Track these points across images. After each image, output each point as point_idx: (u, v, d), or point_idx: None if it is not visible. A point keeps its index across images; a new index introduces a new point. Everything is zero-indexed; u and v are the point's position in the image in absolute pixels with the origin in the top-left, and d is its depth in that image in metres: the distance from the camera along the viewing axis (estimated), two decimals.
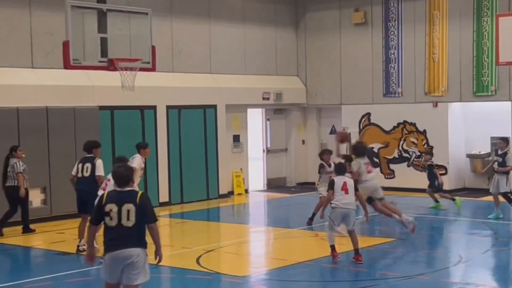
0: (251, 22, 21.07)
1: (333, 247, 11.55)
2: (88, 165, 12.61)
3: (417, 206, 17.42)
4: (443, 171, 19.56)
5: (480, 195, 18.68)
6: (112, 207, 7.36)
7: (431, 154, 17.91)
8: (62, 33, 13.72)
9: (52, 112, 16.04)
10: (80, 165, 12.74)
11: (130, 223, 7.33)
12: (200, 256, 12.05)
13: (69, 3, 13.17)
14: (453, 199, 16.76)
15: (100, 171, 12.40)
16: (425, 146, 19.96)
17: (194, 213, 17.32)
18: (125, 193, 7.46)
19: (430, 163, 17.45)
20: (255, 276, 11.05)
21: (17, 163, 14.41)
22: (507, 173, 15.19)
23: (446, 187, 19.34)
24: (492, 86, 18.84)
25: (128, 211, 7.34)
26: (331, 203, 11.57)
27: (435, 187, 17.01)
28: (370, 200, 13.80)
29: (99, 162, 12.50)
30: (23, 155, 14.63)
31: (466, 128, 20.04)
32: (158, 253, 7.58)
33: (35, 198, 15.82)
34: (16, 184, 14.41)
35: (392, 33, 20.53)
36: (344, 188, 11.49)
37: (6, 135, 15.31)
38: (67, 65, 13.30)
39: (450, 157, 19.62)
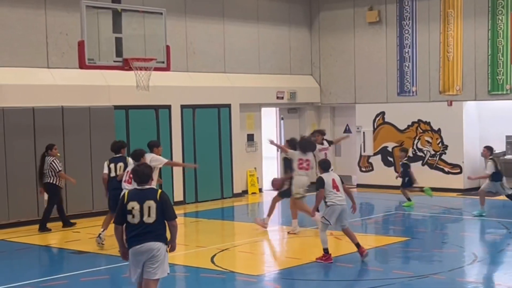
0: (265, 22, 21.07)
1: (327, 250, 11.43)
2: (121, 164, 12.98)
3: (430, 205, 17.36)
4: (458, 170, 19.51)
5: (495, 194, 18.53)
6: (134, 205, 7.61)
7: (406, 152, 17.89)
8: (77, 33, 13.84)
9: (68, 112, 16.14)
10: (112, 165, 13.07)
11: (151, 220, 7.59)
12: (214, 255, 12.08)
13: (84, 3, 13.23)
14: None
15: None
16: (440, 145, 19.90)
17: (209, 212, 17.35)
18: (146, 190, 7.71)
19: (405, 161, 17.43)
20: (270, 275, 11.04)
21: (54, 161, 14.75)
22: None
23: (460, 186, 19.37)
24: (507, 85, 18.74)
25: (149, 208, 7.60)
26: (326, 202, 11.47)
27: (404, 185, 17.15)
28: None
29: (131, 161, 12.66)
30: (58, 154, 15.02)
31: (481, 127, 19.96)
32: (171, 243, 7.86)
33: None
34: (52, 181, 14.74)
35: (406, 31, 20.48)
36: (335, 185, 11.43)
37: (22, 135, 15.46)
38: (82, 65, 13.37)
39: (464, 156, 19.56)
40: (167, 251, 7.76)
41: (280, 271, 11.22)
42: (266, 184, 21.14)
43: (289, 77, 21.78)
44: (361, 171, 21.39)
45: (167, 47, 14.45)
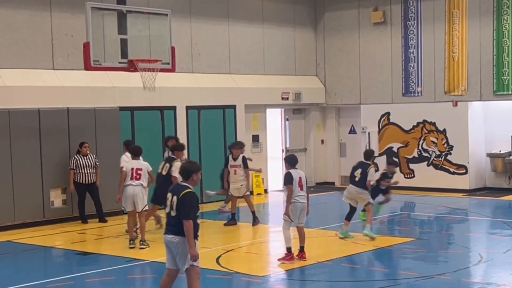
0: (270, 22, 21.05)
1: (289, 249, 11.33)
2: (168, 165, 13.56)
3: (437, 206, 17.33)
4: (463, 171, 19.48)
5: (501, 195, 18.57)
6: (169, 196, 8.28)
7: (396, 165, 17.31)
8: (82, 34, 13.82)
9: (73, 113, 16.17)
10: (162, 163, 13.79)
11: (173, 213, 8.18)
12: (220, 256, 12.06)
13: (89, 4, 13.24)
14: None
15: (175, 172, 12.86)
16: (445, 145, 19.86)
17: (214, 213, 17.33)
18: (180, 186, 8.33)
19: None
20: (275, 276, 11.01)
21: (74, 158, 15.55)
22: None
23: (466, 187, 19.34)
24: None
25: (173, 202, 8.17)
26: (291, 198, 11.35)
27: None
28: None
29: (176, 164, 13.06)
30: (88, 151, 15.62)
31: (487, 127, 19.91)
32: (189, 251, 8.11)
33: (56, 198, 15.95)
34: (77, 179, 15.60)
35: (411, 32, 20.44)
36: (300, 184, 11.35)
37: (28, 136, 15.48)
38: (87, 67, 13.37)
39: (470, 156, 19.52)
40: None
41: (285, 272, 11.18)
42: (272, 185, 21.14)
43: (294, 78, 21.76)
44: None
45: (172, 48, 14.45)
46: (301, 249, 11.44)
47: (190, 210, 8.06)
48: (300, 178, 11.38)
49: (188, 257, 8.08)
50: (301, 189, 11.35)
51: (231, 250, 12.74)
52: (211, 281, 10.54)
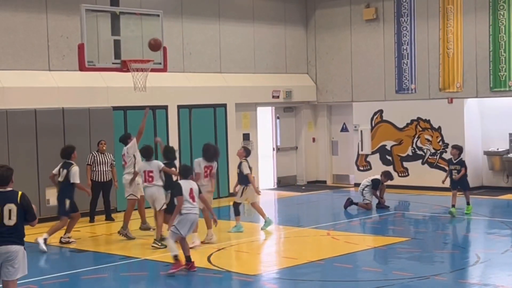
0: (261, 21, 21.07)
1: (176, 257, 10.86)
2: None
3: (432, 205, 17.16)
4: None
5: (498, 194, 18.33)
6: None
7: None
8: (77, 36, 14.46)
9: (68, 113, 16.52)
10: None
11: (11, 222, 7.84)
12: (211, 254, 12.05)
13: (84, 6, 13.64)
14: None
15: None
16: (440, 143, 19.52)
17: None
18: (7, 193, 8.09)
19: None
20: (266, 275, 10.93)
21: (91, 154, 15.84)
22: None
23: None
24: (510, 81, 18.36)
25: (10, 210, 7.93)
26: (180, 210, 10.92)
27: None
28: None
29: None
30: (104, 148, 15.84)
31: (483, 124, 19.60)
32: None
33: (52, 196, 16.03)
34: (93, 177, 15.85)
35: (404, 28, 20.14)
36: (191, 195, 10.90)
37: (24, 136, 15.83)
38: (82, 67, 13.77)
39: (466, 154, 19.03)
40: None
41: (277, 271, 11.13)
42: (262, 183, 20.92)
43: (285, 76, 21.69)
44: (359, 170, 21.04)
45: (164, 48, 14.66)
46: (188, 259, 10.94)
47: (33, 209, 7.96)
48: (191, 189, 10.95)
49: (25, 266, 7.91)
50: (193, 201, 10.92)
51: (222, 248, 12.69)
52: (202, 279, 10.63)
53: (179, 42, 18.96)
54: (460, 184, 15.53)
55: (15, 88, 15.88)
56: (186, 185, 10.99)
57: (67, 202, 13.11)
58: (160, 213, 12.98)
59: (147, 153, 13.16)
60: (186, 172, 11.24)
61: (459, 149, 15.81)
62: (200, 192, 11.16)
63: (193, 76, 19.26)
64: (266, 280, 10.57)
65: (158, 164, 13.09)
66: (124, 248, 12.95)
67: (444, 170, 19.41)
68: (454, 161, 15.65)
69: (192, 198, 10.92)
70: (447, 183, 15.97)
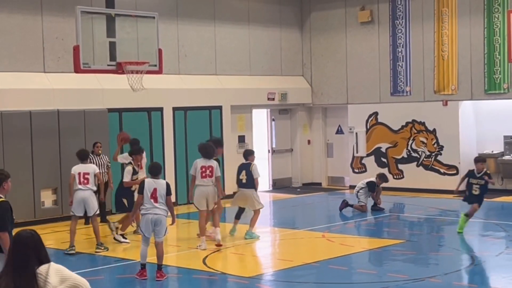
0: (256, 23, 21.01)
1: (144, 266, 10.54)
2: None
3: (427, 207, 17.12)
4: (454, 171, 19.14)
5: (493, 196, 18.25)
6: None
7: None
8: (72, 38, 14.18)
9: (63, 115, 16.46)
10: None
11: None
12: (206, 257, 12.01)
13: (79, 8, 13.60)
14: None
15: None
16: (435, 145, 19.53)
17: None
18: None
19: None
20: (262, 277, 10.91)
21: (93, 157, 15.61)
22: None
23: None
24: (504, 84, 18.36)
25: None
26: (140, 210, 10.68)
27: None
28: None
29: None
30: (100, 151, 15.62)
31: (478, 127, 19.60)
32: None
33: (47, 198, 16.18)
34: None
35: (399, 31, 20.15)
36: (154, 196, 10.48)
37: (19, 137, 15.80)
38: (77, 69, 13.70)
39: (461, 157, 19.17)
40: None
41: (272, 273, 11.12)
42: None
43: (280, 78, 21.64)
44: (354, 172, 21.03)
45: (160, 51, 14.62)
46: (158, 268, 10.51)
47: (6, 220, 7.34)
48: (155, 189, 10.53)
49: None
50: (155, 201, 10.47)
51: (217, 250, 12.64)
52: (197, 281, 10.64)
53: (175, 44, 18.90)
54: (478, 200, 13.82)
55: (10, 90, 15.81)
56: (151, 184, 10.58)
57: (124, 201, 13.46)
58: (94, 219, 12.79)
59: (83, 156, 13.18)
60: (155, 170, 10.76)
61: (483, 161, 13.99)
62: (170, 194, 10.61)
63: (188, 78, 19.20)
64: (262, 282, 10.56)
65: (94, 168, 13.15)
66: (119, 250, 12.92)
67: (439, 172, 19.49)
68: (478, 175, 13.75)
69: (155, 198, 10.48)
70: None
